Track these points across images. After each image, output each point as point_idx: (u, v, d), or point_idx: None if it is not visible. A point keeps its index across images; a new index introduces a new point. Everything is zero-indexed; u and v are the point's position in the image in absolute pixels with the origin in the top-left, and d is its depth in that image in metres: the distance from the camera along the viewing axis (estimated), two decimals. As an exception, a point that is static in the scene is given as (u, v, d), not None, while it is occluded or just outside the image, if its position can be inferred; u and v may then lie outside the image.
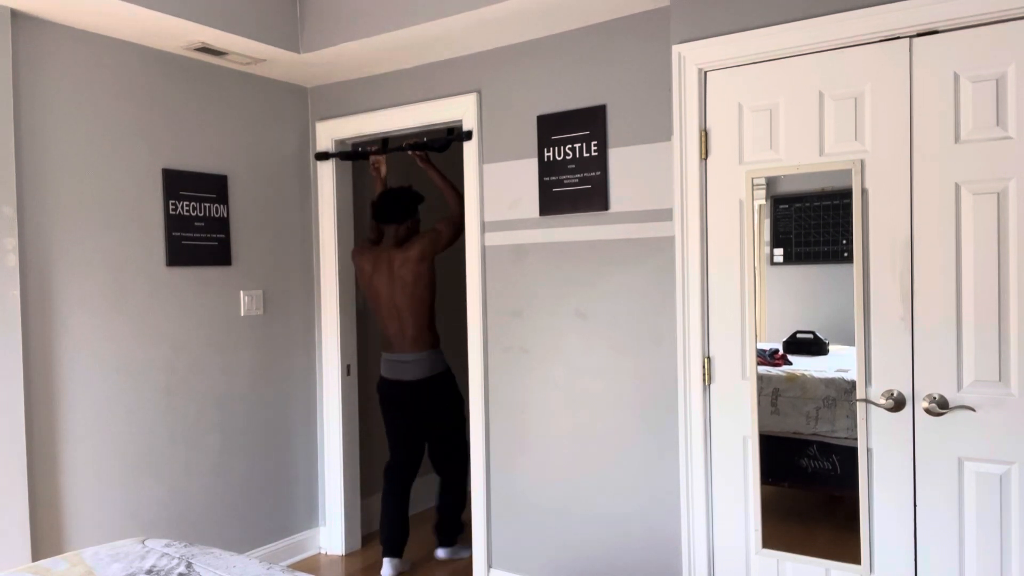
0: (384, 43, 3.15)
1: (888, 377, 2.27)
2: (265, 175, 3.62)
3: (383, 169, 3.71)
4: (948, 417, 2.18)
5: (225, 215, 3.42)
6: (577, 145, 2.99)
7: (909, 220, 2.22)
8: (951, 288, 2.17)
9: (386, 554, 3.54)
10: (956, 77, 2.15)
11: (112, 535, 3.02)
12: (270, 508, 3.65)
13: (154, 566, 1.97)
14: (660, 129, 2.82)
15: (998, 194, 2.11)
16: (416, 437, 3.65)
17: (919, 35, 2.20)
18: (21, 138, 2.75)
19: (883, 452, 2.28)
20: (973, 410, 2.15)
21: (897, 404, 2.24)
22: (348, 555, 3.83)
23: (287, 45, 3.24)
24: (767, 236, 2.49)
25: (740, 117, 2.49)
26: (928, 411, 2.19)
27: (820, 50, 2.34)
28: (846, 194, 2.32)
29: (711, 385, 2.59)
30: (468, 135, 3.28)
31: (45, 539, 2.81)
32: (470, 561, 3.72)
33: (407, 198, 3.59)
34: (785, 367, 2.46)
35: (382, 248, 3.60)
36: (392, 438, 3.66)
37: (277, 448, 3.68)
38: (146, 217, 3.13)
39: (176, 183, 3.23)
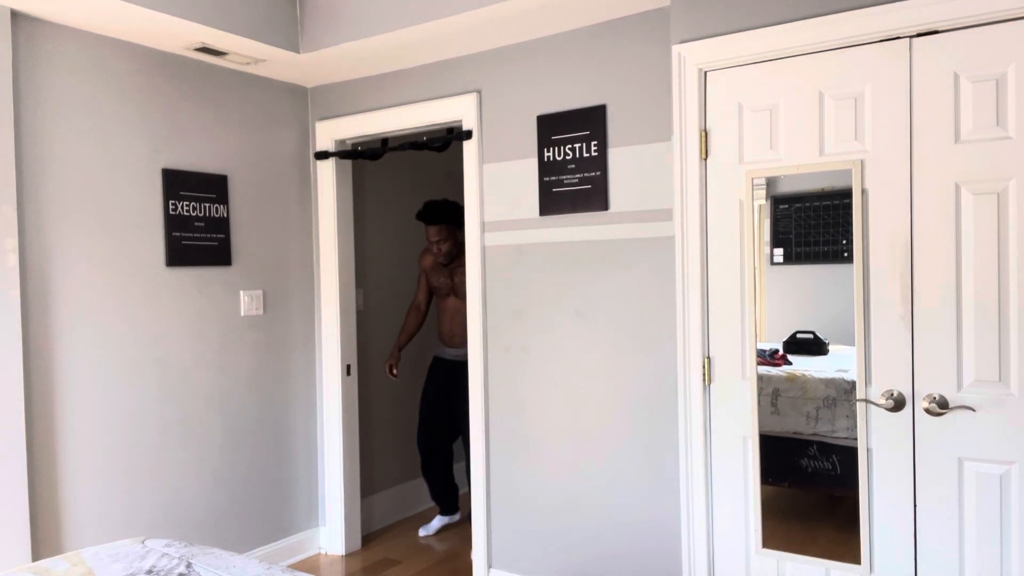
0: (384, 43, 3.15)
1: (888, 377, 2.27)
2: (265, 175, 3.62)
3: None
4: (948, 417, 2.18)
5: (225, 215, 3.42)
6: (577, 145, 2.99)
7: (909, 220, 2.22)
8: (951, 288, 2.17)
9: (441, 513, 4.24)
10: (956, 77, 2.15)
11: (112, 535, 3.02)
12: (270, 508, 3.65)
13: (154, 566, 1.97)
14: (660, 129, 2.82)
15: (998, 194, 2.11)
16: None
17: (919, 35, 2.20)
18: (21, 138, 2.75)
19: (883, 452, 2.28)
20: (973, 410, 2.15)
21: (897, 404, 2.24)
22: (348, 555, 3.83)
23: (287, 45, 3.24)
24: (767, 236, 2.49)
25: (740, 117, 2.49)
26: (928, 411, 2.19)
27: (820, 50, 2.34)
28: (846, 194, 2.32)
29: (711, 385, 2.58)
30: (468, 135, 3.28)
31: (45, 539, 2.81)
32: (470, 561, 3.72)
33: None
34: (785, 367, 2.46)
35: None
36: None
37: (277, 448, 3.68)
38: (146, 217, 3.13)
39: (176, 183, 3.23)
